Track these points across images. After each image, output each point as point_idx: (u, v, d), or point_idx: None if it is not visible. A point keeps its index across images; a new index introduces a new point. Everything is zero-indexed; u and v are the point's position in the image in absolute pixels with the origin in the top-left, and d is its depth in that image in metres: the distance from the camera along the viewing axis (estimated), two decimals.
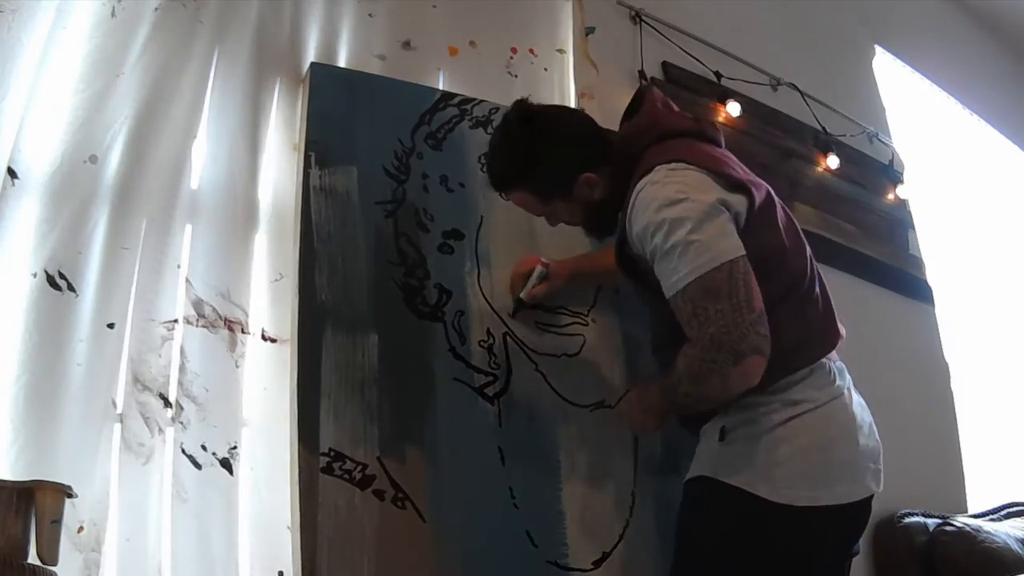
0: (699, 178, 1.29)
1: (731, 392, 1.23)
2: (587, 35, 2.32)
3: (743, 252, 1.23)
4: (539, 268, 1.67)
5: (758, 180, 1.38)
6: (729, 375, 1.19)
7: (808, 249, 1.43)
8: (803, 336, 1.33)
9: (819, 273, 1.42)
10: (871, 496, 1.36)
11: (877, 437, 1.40)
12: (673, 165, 1.31)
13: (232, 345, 1.57)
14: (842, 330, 1.42)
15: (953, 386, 3.13)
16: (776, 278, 1.29)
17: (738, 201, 1.29)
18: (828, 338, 1.38)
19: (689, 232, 1.22)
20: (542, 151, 1.43)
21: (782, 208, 1.41)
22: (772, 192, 1.40)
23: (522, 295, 1.69)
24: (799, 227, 1.44)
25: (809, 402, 1.31)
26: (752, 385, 1.22)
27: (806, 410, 1.30)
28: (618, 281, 1.66)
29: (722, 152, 1.41)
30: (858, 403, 1.39)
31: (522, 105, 1.47)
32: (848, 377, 1.41)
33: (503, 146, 1.49)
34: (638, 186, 1.32)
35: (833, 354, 1.40)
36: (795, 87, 2.91)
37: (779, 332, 1.23)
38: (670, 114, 1.47)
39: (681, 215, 1.24)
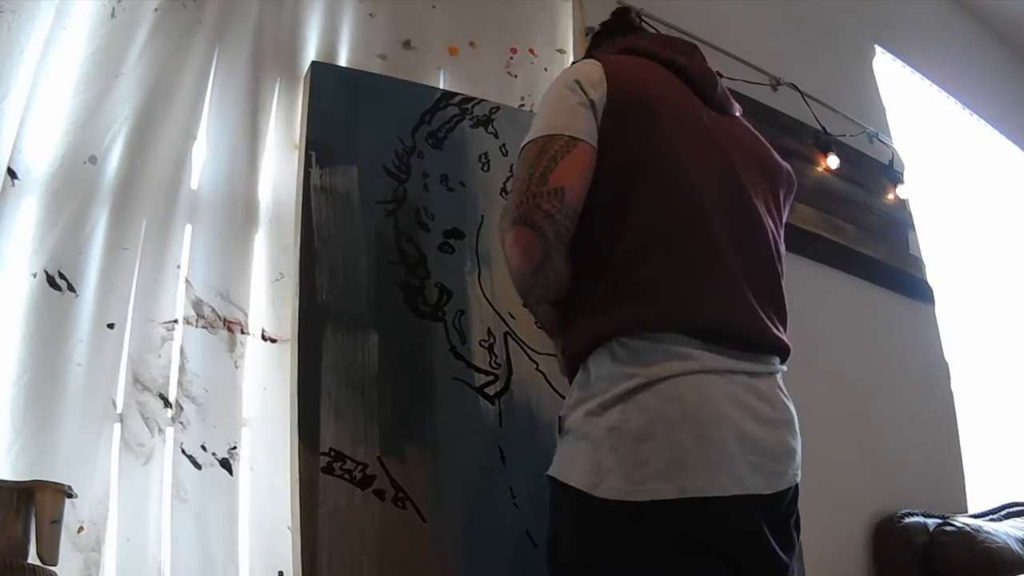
0: (588, 68, 1.21)
1: (512, 269, 1.13)
2: (587, 35, 2.32)
3: (573, 134, 1.13)
4: None
5: (651, 87, 1.22)
6: (505, 243, 1.12)
7: (738, 199, 1.20)
8: (663, 290, 1.10)
9: (764, 245, 1.21)
10: (780, 496, 1.12)
11: (785, 434, 1.14)
12: (587, 60, 1.27)
13: (232, 345, 1.57)
14: (769, 326, 1.16)
15: (953, 386, 3.13)
16: (642, 200, 1.12)
17: (599, 94, 1.17)
18: (690, 312, 1.10)
19: (542, 110, 1.21)
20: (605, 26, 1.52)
21: (706, 139, 1.22)
22: (703, 124, 1.23)
23: None
24: (760, 179, 1.25)
25: (639, 377, 1.06)
26: (522, 262, 1.10)
27: (635, 386, 1.06)
28: None
29: (661, 72, 1.26)
30: (754, 390, 1.12)
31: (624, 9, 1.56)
32: (758, 368, 1.15)
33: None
34: None
35: (752, 364, 1.14)
36: (795, 87, 2.91)
37: (618, 268, 1.09)
38: (658, 43, 1.36)
39: (548, 95, 1.22)
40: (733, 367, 1.11)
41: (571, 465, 1.10)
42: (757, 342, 1.15)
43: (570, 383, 1.19)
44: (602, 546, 1.06)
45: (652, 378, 1.06)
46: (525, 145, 1.17)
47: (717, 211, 1.16)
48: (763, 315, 1.16)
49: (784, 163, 1.37)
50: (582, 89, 1.17)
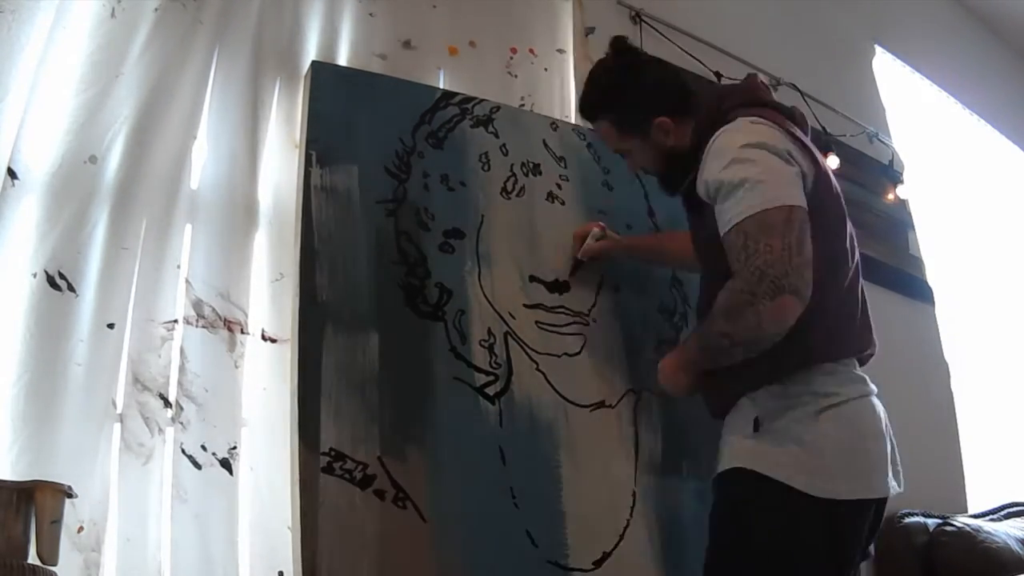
0: (776, 134, 1.33)
1: (764, 332, 1.22)
2: (587, 35, 2.32)
3: (804, 206, 1.26)
4: (595, 230, 1.77)
5: (831, 176, 1.42)
6: (764, 310, 1.20)
7: (853, 251, 1.42)
8: (839, 328, 1.34)
9: (861, 283, 1.43)
10: (886, 498, 1.37)
11: (894, 442, 1.41)
12: (755, 119, 1.35)
13: (232, 346, 1.57)
14: (876, 343, 1.42)
15: (953, 386, 3.13)
16: (823, 258, 1.29)
17: (807, 166, 1.33)
18: (862, 341, 1.39)
19: (759, 173, 1.26)
20: (628, 84, 1.51)
21: (837, 197, 1.42)
22: (832, 180, 1.42)
23: (579, 254, 1.79)
24: (850, 228, 1.44)
25: (839, 395, 1.31)
26: (784, 328, 1.22)
27: (838, 402, 1.30)
28: (674, 264, 1.85)
29: (807, 140, 1.43)
30: (881, 407, 1.41)
31: (622, 41, 1.56)
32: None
33: (596, 74, 1.58)
34: (717, 132, 1.36)
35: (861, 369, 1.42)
36: (795, 87, 2.92)
37: (817, 312, 1.24)
38: (766, 91, 1.51)
39: (753, 158, 1.28)
40: (872, 389, 1.39)
41: (776, 462, 1.29)
42: (867, 360, 1.43)
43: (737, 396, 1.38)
44: (805, 539, 1.26)
45: (848, 397, 1.32)
46: (763, 211, 1.23)
47: (856, 248, 1.43)
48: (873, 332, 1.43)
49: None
50: (793, 159, 1.31)
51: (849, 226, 1.43)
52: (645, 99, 1.50)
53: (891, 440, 1.38)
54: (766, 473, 1.28)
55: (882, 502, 1.36)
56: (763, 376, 1.33)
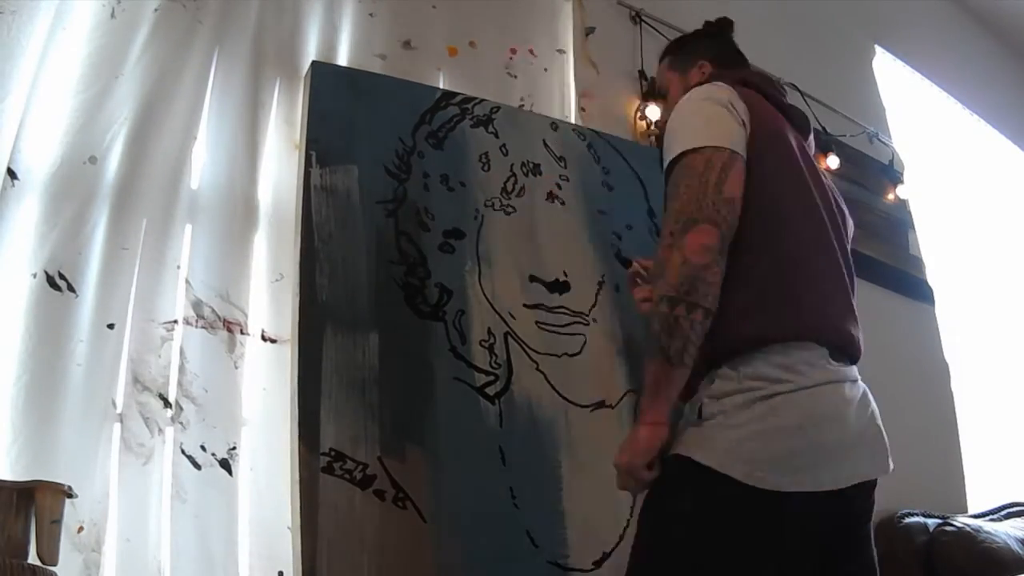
0: (724, 89, 1.32)
1: (691, 264, 1.14)
2: (587, 35, 2.32)
3: (735, 148, 1.22)
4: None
5: (778, 127, 1.34)
6: (683, 244, 1.15)
7: (836, 245, 1.33)
8: (795, 305, 1.23)
9: (846, 283, 1.34)
10: (870, 483, 1.28)
11: (880, 424, 1.32)
12: (718, 84, 1.35)
13: (231, 346, 1.57)
14: (859, 339, 1.33)
15: (953, 386, 3.13)
16: (765, 217, 1.23)
17: (751, 120, 1.29)
18: (834, 330, 1.27)
19: (689, 122, 1.26)
20: (701, 35, 1.66)
21: (810, 177, 1.34)
22: (808, 164, 1.36)
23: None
24: (839, 225, 1.37)
25: (791, 383, 1.20)
26: (708, 255, 1.14)
27: (790, 389, 1.20)
28: None
29: (771, 107, 1.39)
30: (860, 391, 1.31)
31: (726, 20, 1.70)
32: (854, 373, 1.33)
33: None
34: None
35: (853, 369, 1.32)
36: (795, 87, 2.92)
37: (760, 280, 1.20)
38: (765, 81, 1.50)
39: (694, 109, 1.28)
40: (847, 376, 1.28)
41: (714, 449, 1.18)
42: (855, 354, 1.32)
43: (696, 381, 1.26)
44: (739, 532, 1.16)
45: (802, 385, 1.20)
46: (684, 153, 1.21)
47: (835, 240, 1.33)
48: (858, 331, 1.33)
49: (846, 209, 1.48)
50: (735, 108, 1.27)
51: (832, 212, 1.35)
52: (704, 47, 1.60)
53: (872, 422, 1.29)
54: (702, 462, 1.18)
55: (859, 489, 1.24)
56: (718, 358, 1.23)
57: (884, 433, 1.32)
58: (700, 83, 1.42)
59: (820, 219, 1.32)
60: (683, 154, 1.22)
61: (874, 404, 1.32)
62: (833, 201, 1.39)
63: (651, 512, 1.25)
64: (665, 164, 1.26)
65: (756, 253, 1.22)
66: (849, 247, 1.41)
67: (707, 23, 1.71)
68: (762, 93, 1.40)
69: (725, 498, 1.17)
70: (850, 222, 1.44)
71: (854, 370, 1.32)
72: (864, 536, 1.31)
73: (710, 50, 1.60)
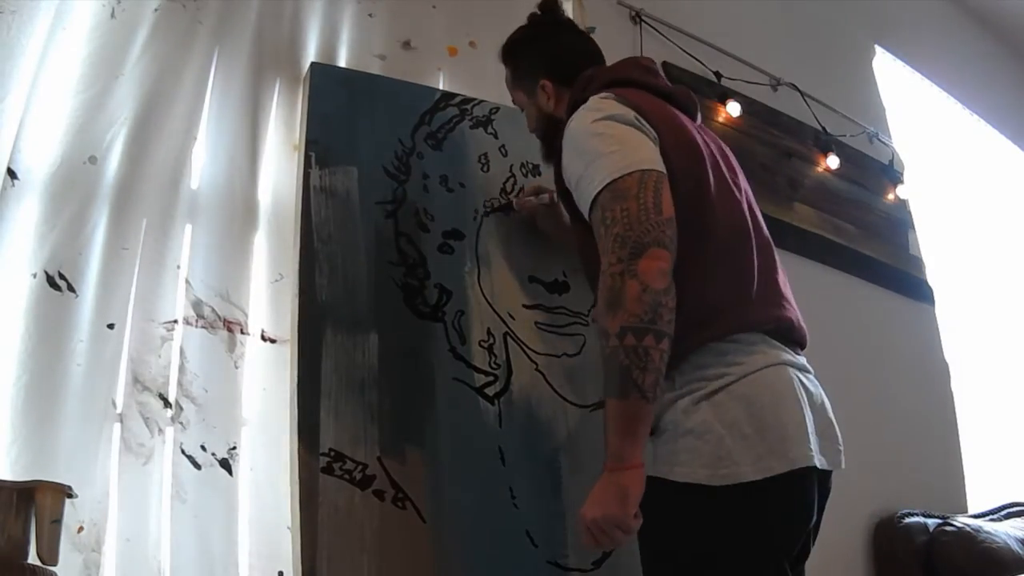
0: (618, 104, 1.29)
1: (653, 289, 1.10)
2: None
3: (662, 169, 1.20)
4: (545, 196, 1.71)
5: (689, 135, 1.31)
6: (640, 269, 1.10)
7: (753, 231, 1.32)
8: (721, 301, 1.23)
9: (770, 263, 1.33)
10: (827, 475, 1.26)
11: (832, 418, 1.30)
12: (604, 95, 1.31)
13: (231, 346, 1.57)
14: (797, 322, 1.31)
15: (953, 386, 3.13)
16: (683, 227, 1.19)
17: (657, 132, 1.27)
18: (764, 314, 1.26)
19: (607, 145, 1.22)
20: (530, 40, 1.55)
21: (723, 169, 1.34)
22: (715, 154, 1.34)
23: (516, 203, 1.77)
24: (749, 210, 1.35)
25: (730, 374, 1.19)
26: (666, 279, 1.12)
27: (730, 381, 1.18)
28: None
29: (669, 109, 1.35)
30: (812, 382, 1.29)
31: (552, 2, 1.57)
32: (803, 362, 1.31)
33: (523, 25, 1.59)
34: (572, 116, 1.32)
35: (801, 357, 1.31)
36: (795, 87, 2.92)
37: (689, 285, 1.16)
38: (640, 70, 1.44)
39: (601, 131, 1.24)
40: (792, 361, 1.26)
41: (672, 462, 1.18)
42: (800, 339, 1.31)
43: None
44: (725, 535, 1.15)
45: (743, 373, 1.19)
46: (615, 180, 1.18)
47: (751, 222, 1.32)
48: (795, 312, 1.32)
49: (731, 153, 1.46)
50: (642, 124, 1.25)
51: (739, 195, 1.33)
52: (537, 59, 1.52)
53: (820, 414, 1.26)
54: (667, 477, 1.17)
55: (816, 479, 1.21)
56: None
57: (837, 427, 1.31)
58: (571, 101, 1.38)
59: (739, 210, 1.31)
60: (611, 182, 1.18)
61: (826, 397, 1.31)
62: (734, 171, 1.37)
63: (647, 547, 1.22)
64: (588, 195, 1.21)
65: (682, 263, 1.17)
66: (759, 214, 1.38)
67: (533, 19, 1.58)
68: (644, 87, 1.37)
69: (697, 507, 1.15)
70: (744, 181, 1.39)
71: (802, 359, 1.31)
72: (813, 528, 1.27)
73: (545, 61, 1.51)
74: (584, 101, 1.33)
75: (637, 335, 1.10)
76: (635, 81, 1.38)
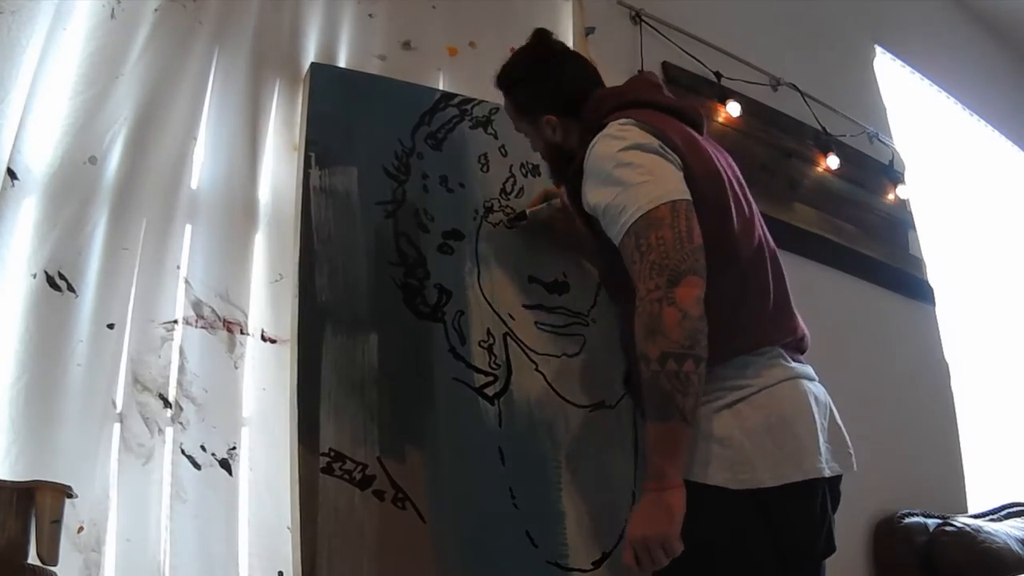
0: (642, 132, 1.32)
1: (692, 316, 1.15)
2: (587, 35, 2.32)
3: (689, 197, 1.24)
4: (557, 200, 1.73)
5: (713, 163, 1.36)
6: (678, 297, 1.15)
7: (765, 244, 1.40)
8: (743, 321, 1.31)
9: (780, 272, 1.41)
10: (838, 479, 1.34)
11: (839, 422, 1.38)
12: (623, 121, 1.33)
13: (231, 346, 1.57)
14: (805, 331, 1.40)
15: (953, 386, 3.13)
16: (710, 249, 1.24)
17: (681, 157, 1.31)
18: (779, 330, 1.35)
19: (638, 176, 1.25)
20: (529, 74, 1.55)
21: (737, 189, 1.39)
22: (730, 176, 1.39)
23: (527, 209, 1.78)
24: (759, 223, 1.42)
25: (752, 386, 1.28)
26: (699, 308, 1.16)
27: (750, 393, 1.28)
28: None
29: (687, 131, 1.39)
30: (820, 390, 1.37)
31: (545, 32, 1.60)
32: (811, 371, 1.39)
33: (513, 56, 1.61)
34: (593, 141, 1.34)
35: (807, 365, 1.39)
36: (795, 87, 2.92)
37: (715, 306, 1.20)
38: (649, 88, 1.48)
39: (630, 160, 1.26)
40: (804, 373, 1.36)
41: (693, 462, 1.24)
42: (806, 347, 1.41)
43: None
44: (739, 536, 1.23)
45: (762, 386, 1.29)
46: (650, 211, 1.21)
47: (764, 236, 1.40)
48: (800, 321, 1.40)
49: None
50: (667, 152, 1.29)
51: (751, 211, 1.39)
52: (538, 94, 1.53)
53: (829, 421, 1.35)
54: (687, 478, 1.22)
55: (832, 487, 1.33)
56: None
57: (845, 431, 1.39)
58: (586, 124, 1.40)
59: (756, 231, 1.38)
60: (646, 213, 1.22)
61: (832, 403, 1.39)
62: (743, 186, 1.42)
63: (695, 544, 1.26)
64: (620, 223, 1.24)
65: (709, 286, 1.21)
66: (763, 222, 1.44)
67: (529, 47, 1.59)
68: (658, 108, 1.40)
69: (715, 507, 1.23)
70: (747, 190, 1.43)
71: (809, 367, 1.39)
72: (828, 531, 1.34)
73: (547, 98, 1.52)
74: (601, 127, 1.35)
75: (678, 361, 1.16)
76: (648, 102, 1.42)
